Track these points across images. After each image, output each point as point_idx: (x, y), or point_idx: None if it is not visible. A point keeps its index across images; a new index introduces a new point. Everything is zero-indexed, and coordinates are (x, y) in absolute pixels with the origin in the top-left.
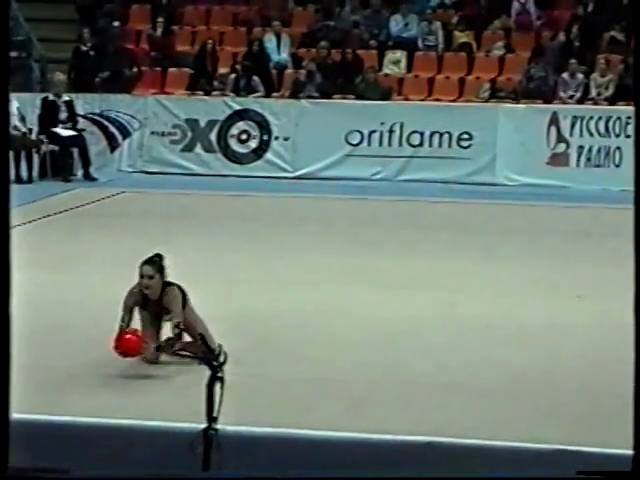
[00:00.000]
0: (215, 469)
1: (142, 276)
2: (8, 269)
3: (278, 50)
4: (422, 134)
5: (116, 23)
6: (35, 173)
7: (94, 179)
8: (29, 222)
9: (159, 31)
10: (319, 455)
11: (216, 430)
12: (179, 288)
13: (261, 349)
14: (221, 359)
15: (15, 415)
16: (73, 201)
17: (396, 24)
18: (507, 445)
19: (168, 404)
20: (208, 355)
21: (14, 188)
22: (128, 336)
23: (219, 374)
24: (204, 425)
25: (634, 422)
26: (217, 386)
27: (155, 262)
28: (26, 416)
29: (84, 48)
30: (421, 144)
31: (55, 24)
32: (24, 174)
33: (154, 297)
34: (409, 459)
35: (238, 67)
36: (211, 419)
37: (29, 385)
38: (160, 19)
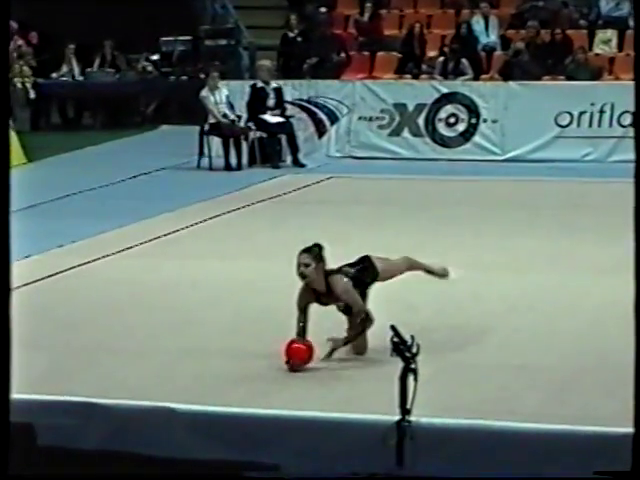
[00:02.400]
0: (409, 462)
1: (298, 265)
2: (8, 268)
3: (486, 32)
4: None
5: (323, 9)
6: (244, 160)
7: (303, 165)
8: (239, 209)
9: (366, 16)
10: (516, 448)
11: (409, 422)
12: (347, 275)
13: (464, 335)
14: (414, 350)
15: (216, 407)
16: (282, 187)
17: (606, 3)
18: None
19: (363, 396)
20: (401, 346)
21: (224, 175)
22: (296, 345)
23: (412, 365)
24: (398, 417)
25: (634, 421)
26: (410, 378)
27: (312, 250)
28: (227, 409)
29: (292, 34)
30: (632, 124)
31: (263, 11)
32: (233, 161)
33: (320, 288)
34: (609, 451)
35: (446, 50)
36: (404, 411)
37: (234, 374)
38: (368, 4)
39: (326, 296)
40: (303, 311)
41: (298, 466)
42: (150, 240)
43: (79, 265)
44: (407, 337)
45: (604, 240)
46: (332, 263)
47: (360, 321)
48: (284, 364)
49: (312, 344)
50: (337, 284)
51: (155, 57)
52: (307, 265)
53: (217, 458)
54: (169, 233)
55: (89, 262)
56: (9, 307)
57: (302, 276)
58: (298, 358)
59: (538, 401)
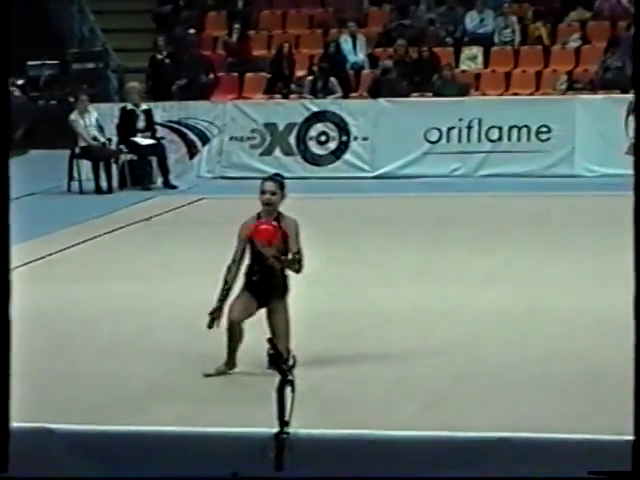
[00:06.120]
0: (288, 473)
1: (263, 192)
2: (8, 274)
3: (354, 51)
4: (500, 129)
5: (192, 30)
6: (115, 183)
7: (174, 187)
8: (111, 232)
9: (235, 37)
10: (394, 455)
11: (288, 434)
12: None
13: (341, 349)
14: (290, 362)
15: (93, 427)
16: (153, 209)
17: (471, 20)
18: (585, 438)
19: (247, 410)
20: (277, 359)
21: (94, 199)
22: (264, 226)
23: (289, 377)
24: (276, 429)
25: (634, 421)
26: (288, 390)
27: (277, 180)
28: (104, 428)
29: (160, 56)
30: (500, 139)
31: (131, 33)
32: (104, 184)
33: (269, 219)
34: (483, 456)
35: (315, 69)
36: (283, 423)
37: (110, 395)
38: (236, 25)
39: None
40: (243, 245)
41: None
42: (21, 265)
43: None
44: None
45: (476, 252)
46: (207, 286)
47: (296, 262)
48: (165, 376)
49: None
50: (291, 220)
51: (21, 82)
52: (273, 193)
53: (96, 476)
54: (40, 258)
55: None
56: (9, 314)
57: (267, 203)
58: (266, 238)
59: (414, 411)
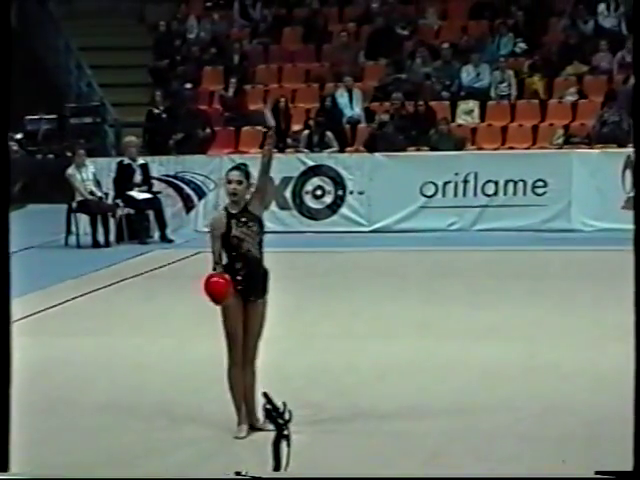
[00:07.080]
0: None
1: (229, 181)
2: (8, 294)
3: (350, 105)
4: (497, 183)
5: (188, 85)
6: (112, 237)
7: (170, 241)
8: (107, 286)
9: (231, 91)
10: None
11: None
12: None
13: (338, 404)
14: (286, 417)
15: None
16: (150, 263)
17: (467, 74)
18: None
19: (239, 462)
20: (273, 414)
21: (92, 253)
22: (215, 279)
23: (285, 432)
24: None
25: (634, 420)
26: (284, 444)
27: (242, 168)
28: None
29: (157, 111)
30: (496, 193)
31: (128, 88)
32: (101, 238)
33: (236, 209)
34: None
35: (311, 123)
36: None
37: (105, 448)
38: (232, 79)
39: (239, 215)
40: (219, 242)
41: None
42: (19, 319)
43: None
44: (279, 404)
45: (473, 307)
46: (202, 339)
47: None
48: (162, 430)
49: (228, 278)
50: (255, 201)
51: (19, 136)
52: (239, 182)
53: None
54: (38, 312)
55: None
56: (9, 326)
57: (233, 193)
58: (217, 293)
59: (411, 467)
